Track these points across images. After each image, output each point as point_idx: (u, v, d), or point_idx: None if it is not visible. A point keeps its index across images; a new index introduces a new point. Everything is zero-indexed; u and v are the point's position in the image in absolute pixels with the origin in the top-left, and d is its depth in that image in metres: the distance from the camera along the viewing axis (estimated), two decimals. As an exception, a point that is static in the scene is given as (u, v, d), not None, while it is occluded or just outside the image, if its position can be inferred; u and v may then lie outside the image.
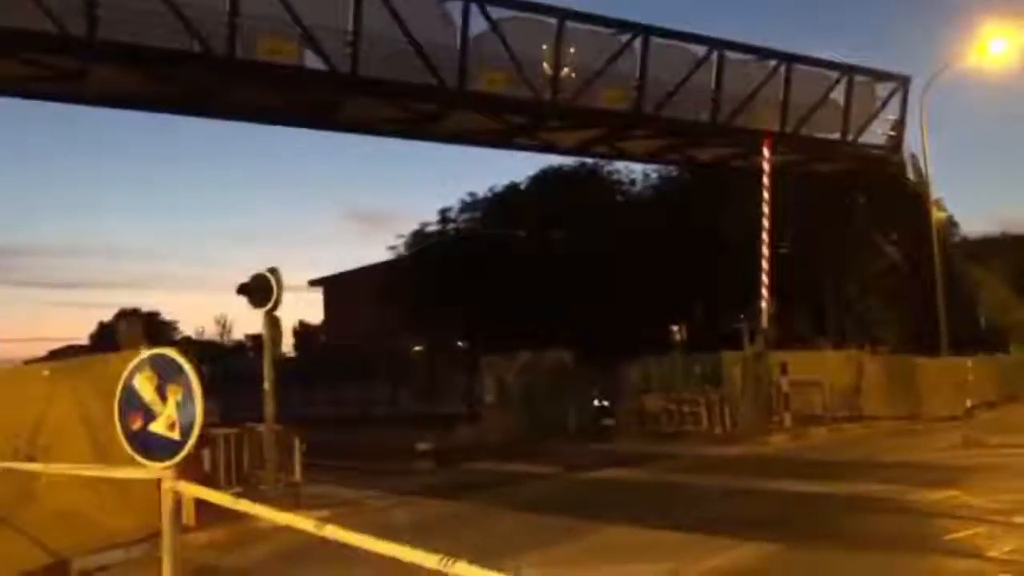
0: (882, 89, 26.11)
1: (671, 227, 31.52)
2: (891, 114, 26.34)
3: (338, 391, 35.79)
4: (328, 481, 13.61)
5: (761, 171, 22.40)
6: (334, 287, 52.37)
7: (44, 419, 8.43)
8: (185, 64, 16.35)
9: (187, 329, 60.48)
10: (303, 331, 55.93)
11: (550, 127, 22.23)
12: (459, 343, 40.35)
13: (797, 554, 8.53)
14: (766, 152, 22.40)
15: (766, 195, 22.02)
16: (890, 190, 27.14)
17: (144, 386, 4.99)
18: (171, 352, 5.02)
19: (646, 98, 21.27)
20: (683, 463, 16.24)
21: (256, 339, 56.26)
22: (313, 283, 51.73)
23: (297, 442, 12.08)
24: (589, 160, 34.37)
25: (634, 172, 37.30)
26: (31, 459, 8.03)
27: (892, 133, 26.44)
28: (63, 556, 8.71)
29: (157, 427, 4.91)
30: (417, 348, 44.05)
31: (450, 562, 3.16)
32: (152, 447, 4.95)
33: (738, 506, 11.61)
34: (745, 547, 8.70)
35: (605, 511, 11.30)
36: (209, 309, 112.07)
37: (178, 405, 4.85)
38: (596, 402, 21.31)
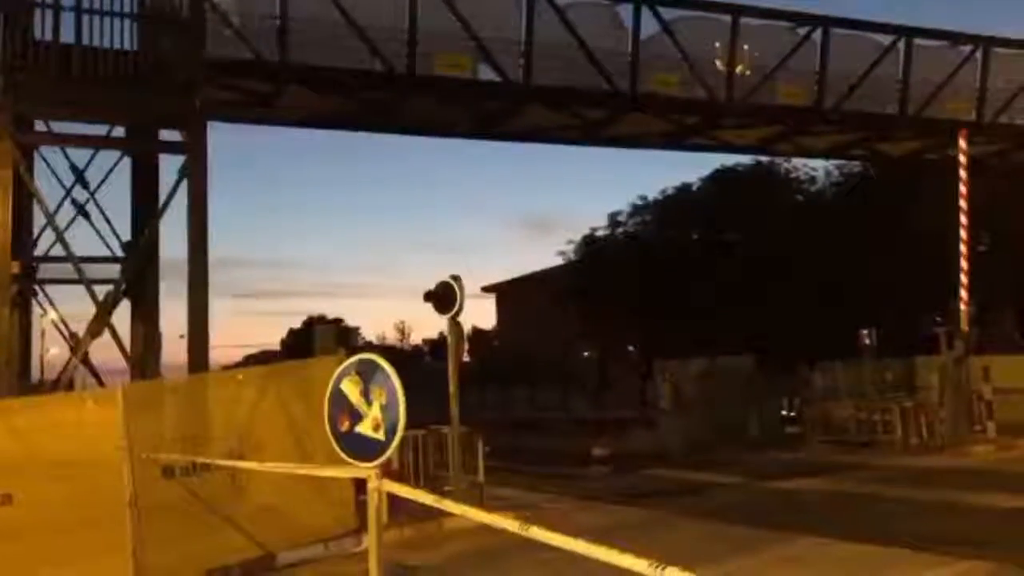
0: (1095, 69, 23.75)
1: (855, 226, 29.99)
2: (1107, 96, 23.90)
3: (509, 395, 36.33)
4: (505, 483, 13.83)
5: (957, 164, 20.92)
6: (506, 293, 53.44)
7: (253, 420, 9.04)
8: (369, 83, 17.06)
9: (368, 335, 63.19)
10: (476, 336, 57.36)
11: (725, 126, 21.63)
12: (630, 347, 40.11)
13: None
14: (962, 144, 20.86)
15: (963, 189, 20.52)
16: (1106, 179, 24.66)
17: (351, 389, 5.25)
18: (375, 357, 5.26)
19: (827, 92, 20.35)
20: (876, 474, 15.39)
21: (432, 344, 58.19)
22: (486, 289, 52.96)
23: (480, 444, 12.38)
24: (764, 159, 33.29)
25: (815, 170, 35.81)
26: (242, 457, 8.62)
27: (1108, 117, 23.99)
28: (269, 549, 9.31)
29: (363, 428, 5.16)
30: (588, 352, 44.15)
31: (660, 568, 3.12)
32: (359, 447, 5.20)
33: (940, 521, 10.85)
34: (954, 565, 8.15)
35: (795, 522, 10.85)
36: (389, 315, 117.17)
37: (382, 408, 5.08)
38: (784, 410, 20.48)
